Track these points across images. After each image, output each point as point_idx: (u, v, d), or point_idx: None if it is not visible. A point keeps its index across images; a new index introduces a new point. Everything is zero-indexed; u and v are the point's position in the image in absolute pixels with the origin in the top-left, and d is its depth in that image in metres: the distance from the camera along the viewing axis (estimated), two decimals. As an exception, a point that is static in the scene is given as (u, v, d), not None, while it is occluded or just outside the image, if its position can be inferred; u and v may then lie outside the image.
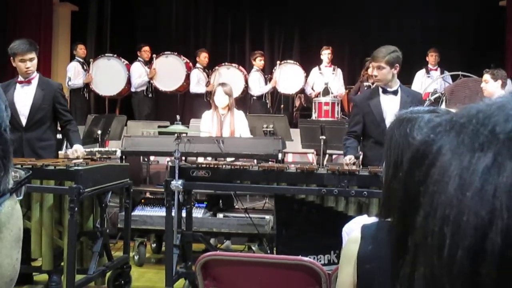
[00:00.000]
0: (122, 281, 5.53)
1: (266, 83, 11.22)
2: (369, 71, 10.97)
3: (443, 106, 8.76)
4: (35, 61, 5.68)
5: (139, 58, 11.47)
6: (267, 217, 6.40)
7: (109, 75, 11.31)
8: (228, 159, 6.28)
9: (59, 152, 6.51)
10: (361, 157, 5.62)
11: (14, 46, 5.63)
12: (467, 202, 0.53)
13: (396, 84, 5.35)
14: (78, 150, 5.70)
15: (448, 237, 0.53)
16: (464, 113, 0.59)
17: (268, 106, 11.28)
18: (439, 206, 0.55)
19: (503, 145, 0.54)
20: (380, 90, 5.37)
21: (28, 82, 5.73)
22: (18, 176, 0.77)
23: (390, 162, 1.83)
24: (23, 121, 5.67)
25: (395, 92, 5.33)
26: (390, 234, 0.64)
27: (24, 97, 5.71)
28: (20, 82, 5.73)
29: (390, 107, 5.27)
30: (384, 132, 5.18)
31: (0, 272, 0.73)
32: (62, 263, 4.94)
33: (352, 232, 1.94)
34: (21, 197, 0.78)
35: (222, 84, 6.94)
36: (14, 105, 5.57)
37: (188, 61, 11.57)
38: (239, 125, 6.84)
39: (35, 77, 5.77)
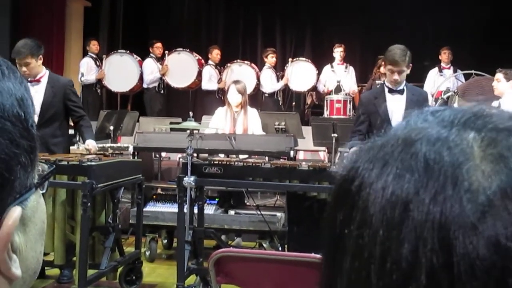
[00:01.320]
0: (134, 277, 5.55)
1: (278, 80, 11.23)
2: (382, 69, 10.97)
3: (455, 105, 8.73)
4: (32, 65, 5.64)
5: (151, 55, 11.50)
6: (278, 214, 6.40)
7: (121, 71, 11.35)
8: (240, 156, 6.28)
9: (71, 147, 6.55)
10: None
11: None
12: (389, 243, 0.51)
13: (402, 83, 5.34)
14: (90, 145, 5.73)
15: (374, 280, 0.52)
16: (386, 140, 0.57)
17: (280, 103, 11.29)
18: (363, 250, 0.53)
19: (421, 177, 0.52)
20: (386, 89, 5.35)
21: (38, 80, 5.74)
22: (41, 169, 0.78)
23: None
24: (35, 119, 5.67)
25: (401, 91, 5.31)
26: (320, 275, 0.60)
27: (34, 95, 5.71)
28: (30, 81, 5.73)
29: (396, 106, 5.27)
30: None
31: (26, 265, 0.74)
32: (74, 258, 4.96)
33: None
34: (44, 191, 0.79)
35: (236, 82, 6.91)
36: None
37: (200, 57, 11.60)
38: (252, 122, 6.83)
39: (44, 75, 5.78)
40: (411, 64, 5.26)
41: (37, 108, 5.71)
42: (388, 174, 0.53)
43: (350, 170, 0.57)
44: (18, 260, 0.72)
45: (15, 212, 0.70)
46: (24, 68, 5.60)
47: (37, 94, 5.72)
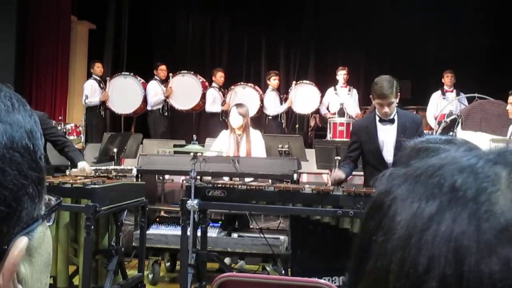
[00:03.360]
0: (136, 300, 5.53)
1: (281, 103, 11.24)
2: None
3: (459, 128, 8.73)
4: None
5: (155, 77, 11.53)
6: (281, 237, 6.39)
7: (125, 93, 11.37)
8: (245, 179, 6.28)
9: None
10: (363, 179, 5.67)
11: None
12: (409, 249, 0.56)
13: (393, 113, 5.32)
14: (85, 168, 5.71)
15: (391, 283, 0.57)
16: (420, 165, 0.62)
17: (283, 126, 11.29)
18: (386, 253, 0.58)
19: (446, 197, 0.57)
20: (377, 118, 5.36)
21: None
22: (47, 198, 0.79)
23: None
24: None
25: (392, 121, 5.31)
26: (346, 282, 0.67)
27: None
28: None
29: (387, 136, 5.28)
30: (381, 160, 5.21)
31: None
32: (76, 282, 4.94)
33: None
34: (51, 223, 0.79)
35: (238, 105, 6.90)
36: None
37: (204, 80, 11.62)
38: (255, 145, 6.83)
39: None
40: (399, 93, 5.27)
41: None
42: (418, 193, 0.59)
43: (386, 187, 0.63)
44: None
45: (21, 242, 0.70)
46: None
47: None
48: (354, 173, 5.82)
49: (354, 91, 11.38)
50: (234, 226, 6.84)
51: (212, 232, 6.30)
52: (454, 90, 10.96)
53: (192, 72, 11.62)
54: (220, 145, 6.79)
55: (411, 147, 1.85)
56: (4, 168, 0.68)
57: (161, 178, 8.81)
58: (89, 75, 11.97)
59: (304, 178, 9.79)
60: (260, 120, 11.32)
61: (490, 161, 0.59)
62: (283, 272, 6.09)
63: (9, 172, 0.68)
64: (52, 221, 0.79)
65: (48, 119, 6.03)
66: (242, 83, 11.65)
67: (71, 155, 5.83)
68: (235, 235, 6.53)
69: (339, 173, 5.30)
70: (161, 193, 8.77)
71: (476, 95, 9.57)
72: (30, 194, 0.71)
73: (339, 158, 7.70)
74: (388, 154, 5.25)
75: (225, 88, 11.48)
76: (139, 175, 6.68)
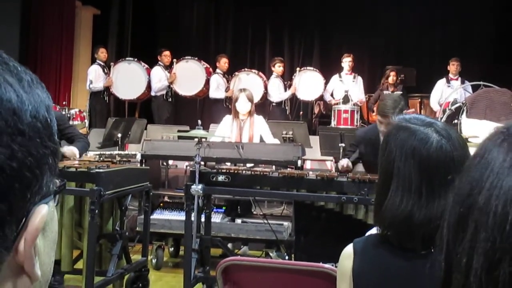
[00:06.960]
0: (140, 284, 5.55)
1: (285, 90, 11.21)
2: (390, 79, 10.99)
3: (463, 116, 8.70)
4: None
5: (159, 63, 11.51)
6: (285, 223, 6.40)
7: (129, 79, 11.36)
8: (247, 165, 6.27)
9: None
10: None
11: None
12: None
13: None
14: (65, 147, 5.40)
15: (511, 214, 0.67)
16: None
17: (287, 113, 11.26)
18: (502, 189, 0.68)
19: None
20: (381, 134, 5.32)
21: None
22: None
23: (382, 171, 1.80)
24: None
25: None
26: (449, 215, 0.76)
27: None
28: None
29: None
30: None
31: (43, 270, 0.74)
32: (80, 266, 4.95)
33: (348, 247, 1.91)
34: (56, 204, 0.80)
35: (244, 90, 6.85)
36: None
37: (208, 66, 11.60)
38: (259, 130, 6.79)
39: None
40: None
41: None
42: None
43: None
44: (38, 262, 0.73)
45: (43, 209, 0.72)
46: None
47: None
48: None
49: (359, 78, 11.32)
50: (236, 212, 6.85)
51: (216, 218, 6.31)
52: (459, 78, 10.93)
53: (196, 58, 11.59)
54: (224, 130, 6.76)
55: (395, 125, 1.86)
56: (31, 135, 0.69)
57: (165, 163, 8.81)
58: (93, 61, 11.95)
59: (308, 164, 9.79)
60: (264, 107, 11.29)
61: None
62: (286, 258, 6.10)
63: (34, 140, 0.70)
64: (56, 202, 0.80)
65: (61, 120, 5.89)
66: (246, 69, 11.62)
67: (75, 142, 5.66)
68: (238, 221, 6.55)
69: (348, 162, 5.30)
70: (165, 179, 8.79)
71: (481, 83, 9.53)
72: (50, 165, 0.73)
73: (343, 145, 7.71)
74: None
75: (229, 74, 11.45)
76: (143, 160, 6.67)
